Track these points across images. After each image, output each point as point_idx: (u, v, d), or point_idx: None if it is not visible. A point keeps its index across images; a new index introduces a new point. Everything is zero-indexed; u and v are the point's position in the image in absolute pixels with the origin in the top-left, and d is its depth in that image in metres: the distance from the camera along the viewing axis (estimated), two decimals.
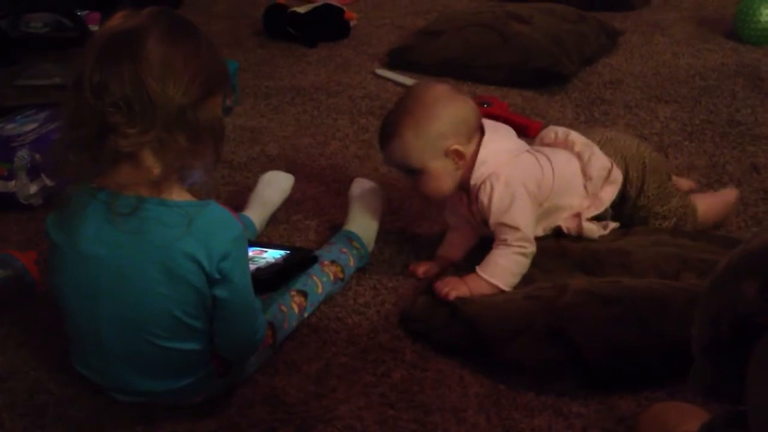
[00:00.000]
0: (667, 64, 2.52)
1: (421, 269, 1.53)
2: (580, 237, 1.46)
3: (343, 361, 1.35)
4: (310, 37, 2.80)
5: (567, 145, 1.51)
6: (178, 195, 1.14)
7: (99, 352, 1.19)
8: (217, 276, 1.13)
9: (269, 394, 1.29)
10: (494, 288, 1.38)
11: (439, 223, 1.71)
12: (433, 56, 2.51)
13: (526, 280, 1.40)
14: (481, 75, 2.44)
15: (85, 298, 1.16)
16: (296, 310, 1.41)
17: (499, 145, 1.44)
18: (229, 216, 1.17)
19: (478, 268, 1.40)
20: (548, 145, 1.54)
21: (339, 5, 2.91)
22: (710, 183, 1.81)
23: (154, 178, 1.11)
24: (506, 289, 1.39)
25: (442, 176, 1.43)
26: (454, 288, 1.38)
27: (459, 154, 1.42)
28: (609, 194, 1.48)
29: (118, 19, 1.13)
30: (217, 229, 1.14)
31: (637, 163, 1.53)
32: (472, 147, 1.43)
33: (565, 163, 1.47)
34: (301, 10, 2.86)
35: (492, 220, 1.41)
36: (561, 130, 1.54)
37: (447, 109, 1.42)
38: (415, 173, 1.44)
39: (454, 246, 1.55)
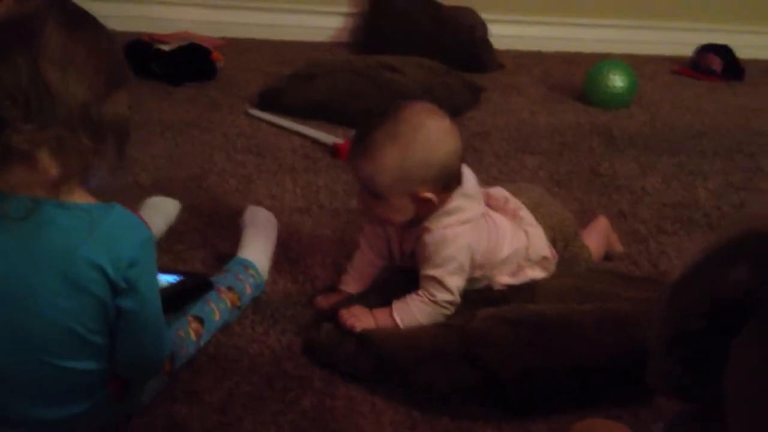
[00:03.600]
0: (528, 121, 2.65)
1: (330, 301, 1.47)
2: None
3: (247, 390, 1.28)
4: (175, 76, 2.71)
5: (515, 218, 1.48)
6: (79, 197, 1.04)
7: None
8: (124, 285, 1.03)
9: (169, 424, 1.19)
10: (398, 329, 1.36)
11: (332, 255, 1.68)
12: (305, 99, 2.51)
13: None
14: (353, 120, 2.44)
15: None
16: (193, 336, 1.32)
17: (468, 204, 1.37)
18: (137, 219, 1.08)
19: (394, 308, 1.36)
20: (494, 208, 1.49)
21: (205, 45, 2.85)
22: (584, 225, 1.89)
23: (51, 179, 1.00)
24: None
25: (400, 211, 1.34)
26: (360, 320, 1.35)
27: (427, 202, 1.33)
28: (535, 274, 1.47)
29: (4, 7, 1.03)
30: (123, 233, 1.04)
31: (562, 233, 1.56)
32: (443, 195, 1.34)
33: (510, 239, 1.44)
34: (166, 47, 2.78)
35: (427, 271, 1.35)
36: (513, 201, 1.51)
37: (437, 156, 1.31)
38: (374, 196, 1.34)
39: (358, 276, 1.50)
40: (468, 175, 1.40)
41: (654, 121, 2.71)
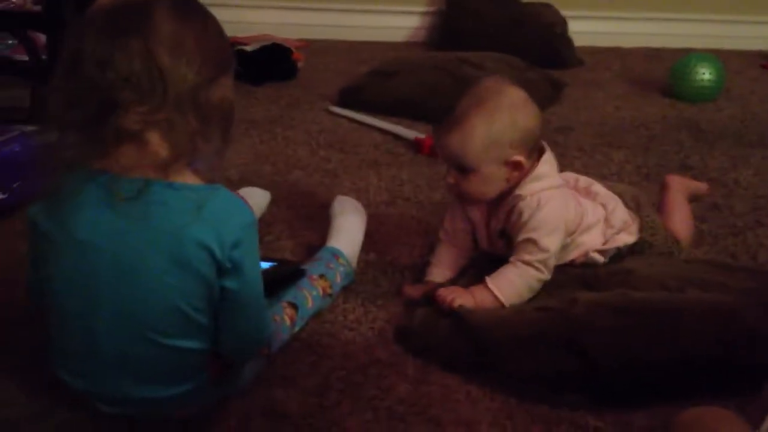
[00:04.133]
0: (612, 116, 2.59)
1: (418, 292, 1.46)
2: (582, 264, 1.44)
3: (342, 375, 1.27)
4: (257, 76, 2.74)
5: (589, 195, 1.50)
6: (187, 178, 1.06)
7: (90, 354, 1.07)
8: (228, 265, 1.04)
9: (268, 407, 1.19)
10: (498, 304, 1.34)
11: (419, 247, 1.67)
12: (386, 96, 2.51)
13: None
14: (435, 115, 2.42)
15: (79, 291, 1.05)
16: (288, 322, 1.33)
17: (554, 171, 1.41)
18: (241, 202, 1.09)
19: (488, 279, 1.36)
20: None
21: (287, 45, 2.88)
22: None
23: (161, 160, 1.03)
24: (507, 307, 1.35)
25: (491, 182, 1.37)
26: (459, 296, 1.34)
27: (518, 166, 1.36)
28: (621, 241, 1.47)
29: None
30: (229, 215, 1.06)
31: (631, 201, 1.55)
32: (529, 162, 1.38)
33: (591, 208, 1.46)
34: (248, 48, 2.81)
35: (523, 236, 1.36)
36: (583, 179, 1.53)
37: (524, 118, 1.36)
38: (464, 171, 1.37)
39: (444, 267, 1.50)
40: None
41: (744, 114, 2.62)
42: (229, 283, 1.06)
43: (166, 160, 1.03)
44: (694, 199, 1.75)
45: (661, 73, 2.93)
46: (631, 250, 1.47)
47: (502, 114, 1.35)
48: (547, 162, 1.41)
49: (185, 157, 1.05)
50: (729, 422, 1.03)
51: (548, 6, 3.19)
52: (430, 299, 1.38)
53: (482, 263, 1.47)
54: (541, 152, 1.42)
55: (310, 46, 3.22)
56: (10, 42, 2.79)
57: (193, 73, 1.02)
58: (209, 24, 1.08)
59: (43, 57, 2.20)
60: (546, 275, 1.36)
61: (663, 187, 1.73)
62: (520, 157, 1.36)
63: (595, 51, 3.30)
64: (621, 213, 1.48)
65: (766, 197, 1.98)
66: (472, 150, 1.35)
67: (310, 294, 1.39)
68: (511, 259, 1.37)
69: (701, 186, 1.81)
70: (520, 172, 1.38)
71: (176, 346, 1.07)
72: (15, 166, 1.72)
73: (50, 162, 1.05)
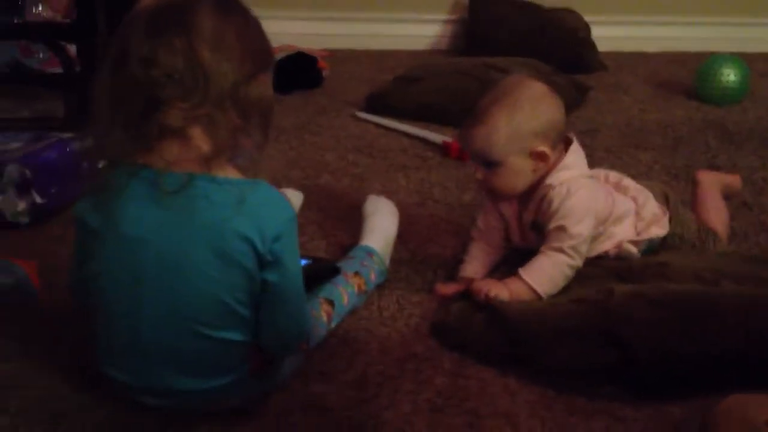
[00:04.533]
0: (637, 118, 2.60)
1: (451, 289, 1.47)
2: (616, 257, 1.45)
3: (379, 369, 1.29)
4: (284, 84, 2.76)
5: (619, 189, 1.51)
6: (229, 173, 1.08)
7: (134, 346, 1.10)
8: (270, 258, 1.07)
9: (308, 401, 1.21)
10: (533, 294, 1.35)
11: (450, 247, 1.69)
12: (412, 101, 2.52)
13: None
14: (462, 119, 2.44)
15: (125, 285, 1.07)
16: (325, 318, 1.34)
17: (582, 162, 1.44)
18: (281, 196, 1.11)
19: (521, 271, 1.37)
20: None
21: (312, 55, 2.91)
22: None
23: (203, 155, 1.05)
24: (544, 297, 1.36)
25: (519, 174, 1.39)
26: (495, 288, 1.35)
27: (543, 157, 1.38)
28: (653, 233, 1.48)
29: None
30: (269, 209, 1.08)
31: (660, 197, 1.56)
32: (555, 153, 1.40)
33: (622, 201, 1.48)
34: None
35: (554, 224, 1.37)
36: (612, 174, 1.56)
37: (545, 109, 1.39)
38: (491, 165, 1.40)
39: (478, 263, 1.51)
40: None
41: None
42: (271, 276, 1.08)
43: (208, 155, 1.05)
44: (727, 194, 1.75)
45: (685, 77, 2.93)
46: (663, 243, 1.48)
47: (523, 106, 1.38)
48: (575, 152, 1.43)
49: (227, 152, 1.07)
50: None
51: (571, 11, 3.19)
52: (466, 293, 1.39)
53: (514, 259, 1.48)
54: (568, 143, 1.44)
55: (334, 55, 3.24)
56: (41, 56, 2.84)
57: (234, 70, 1.05)
58: (250, 22, 1.11)
59: (76, 68, 2.25)
60: (578, 261, 1.37)
61: (695, 184, 1.73)
62: (544, 148, 1.38)
63: (618, 56, 3.30)
64: (652, 206, 1.50)
65: None
66: (496, 143, 1.38)
67: (345, 291, 1.41)
68: (542, 248, 1.39)
69: (733, 179, 1.81)
70: (545, 163, 1.40)
71: (219, 338, 1.09)
72: (53, 171, 1.75)
73: (96, 159, 1.07)
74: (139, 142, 1.05)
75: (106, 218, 1.07)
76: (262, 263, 1.07)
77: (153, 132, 1.04)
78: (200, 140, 1.05)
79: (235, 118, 1.06)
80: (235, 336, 1.10)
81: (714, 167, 2.15)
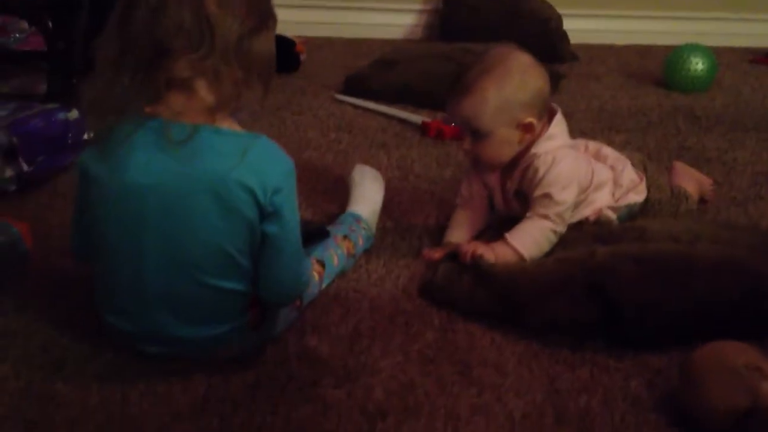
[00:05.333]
0: (609, 104, 2.66)
1: (437, 254, 1.51)
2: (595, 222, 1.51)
3: (371, 324, 1.33)
4: None
5: (598, 158, 1.57)
6: (231, 126, 1.12)
7: (137, 293, 1.12)
8: (270, 209, 1.10)
9: (303, 352, 1.24)
10: (518, 258, 1.40)
11: (433, 216, 1.73)
12: (390, 83, 2.56)
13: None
14: (439, 102, 2.48)
15: (129, 232, 1.10)
16: (316, 277, 1.37)
17: (565, 130, 1.48)
18: (281, 151, 1.15)
19: (507, 235, 1.41)
20: None
21: (290, 38, 2.93)
22: None
23: (208, 107, 1.09)
24: (528, 261, 1.40)
25: (505, 145, 1.43)
26: (481, 249, 1.39)
27: (529, 128, 1.42)
28: (631, 199, 1.54)
29: None
30: (270, 162, 1.11)
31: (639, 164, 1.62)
32: (540, 124, 1.44)
33: (601, 169, 1.53)
34: None
35: (539, 191, 1.42)
36: (592, 144, 1.61)
37: (532, 80, 1.42)
38: (478, 135, 1.43)
39: (462, 229, 1.56)
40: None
41: (737, 102, 2.70)
42: (270, 228, 1.11)
43: (212, 106, 1.08)
44: (700, 196, 1.75)
45: (653, 68, 3.01)
46: (642, 209, 1.54)
47: (512, 77, 1.41)
48: (559, 123, 1.48)
49: (230, 105, 1.11)
50: (749, 353, 1.09)
51: (543, 2, 3.26)
52: (453, 256, 1.44)
53: (498, 225, 1.52)
54: (551, 114, 1.48)
55: (309, 43, 3.27)
56: (17, 36, 2.84)
57: (239, 25, 1.08)
58: None
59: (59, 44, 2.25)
60: (562, 227, 1.42)
61: (670, 170, 1.78)
62: (531, 119, 1.42)
63: (588, 48, 3.37)
64: (629, 173, 1.56)
65: (764, 174, 2.05)
66: (485, 114, 1.41)
67: (335, 253, 1.44)
68: (528, 214, 1.43)
69: (706, 179, 1.81)
70: (531, 134, 1.44)
71: (220, 287, 1.12)
72: (40, 139, 1.76)
73: (102, 108, 1.10)
74: (146, 92, 1.07)
75: (111, 167, 1.10)
76: (263, 214, 1.10)
77: (160, 82, 1.07)
78: (205, 92, 1.08)
79: (239, 72, 1.09)
80: (235, 286, 1.13)
81: (685, 149, 2.23)
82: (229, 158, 1.08)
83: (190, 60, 1.05)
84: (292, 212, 1.14)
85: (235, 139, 1.10)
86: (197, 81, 1.07)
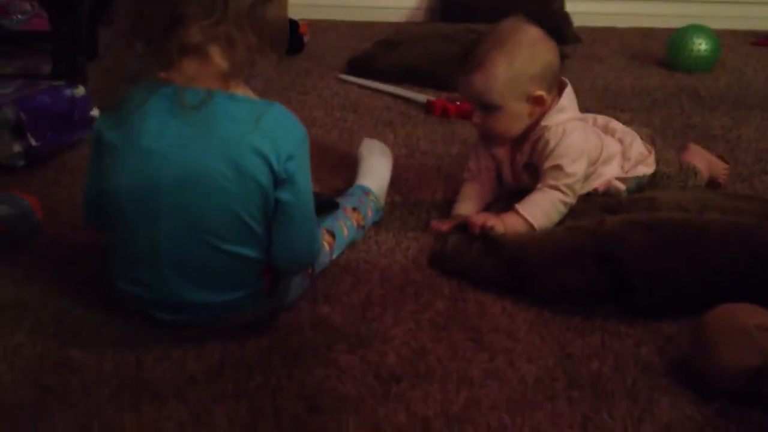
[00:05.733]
0: (614, 84, 2.67)
1: (446, 226, 1.51)
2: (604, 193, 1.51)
3: (381, 293, 1.33)
4: None
5: (607, 131, 1.57)
6: (245, 92, 1.12)
7: (152, 258, 1.12)
8: (283, 176, 1.10)
9: (315, 320, 1.25)
10: (528, 227, 1.40)
11: (441, 191, 1.73)
12: (395, 63, 2.57)
13: None
14: (444, 82, 2.48)
15: (144, 197, 1.10)
16: (327, 247, 1.38)
17: (575, 103, 1.48)
18: (295, 118, 1.15)
19: (517, 206, 1.42)
20: None
21: (293, 19, 2.93)
22: None
23: (222, 73, 1.09)
24: (537, 231, 1.41)
25: (516, 118, 1.44)
26: (490, 220, 1.40)
27: (540, 101, 1.43)
28: (640, 171, 1.54)
29: None
30: (284, 129, 1.12)
31: (647, 138, 1.63)
32: (550, 97, 1.44)
33: (609, 142, 1.54)
34: None
35: (549, 163, 1.42)
36: (600, 117, 1.61)
37: (542, 53, 1.43)
38: (489, 109, 1.44)
39: (471, 201, 1.56)
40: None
41: (740, 82, 2.71)
42: (284, 195, 1.12)
43: (226, 72, 1.09)
44: (711, 175, 1.72)
45: (656, 49, 3.02)
46: (650, 182, 1.54)
47: (522, 50, 1.42)
48: (569, 96, 1.48)
49: (244, 71, 1.11)
50: (759, 314, 1.10)
51: None
52: (462, 227, 1.44)
53: (507, 198, 1.53)
54: (561, 87, 1.49)
55: (312, 25, 3.27)
56: (19, 17, 2.84)
57: None
58: None
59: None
60: (572, 198, 1.42)
61: (683, 149, 1.77)
62: (541, 92, 1.43)
63: (591, 30, 3.37)
64: (638, 146, 1.56)
65: None
66: (496, 87, 1.42)
67: (345, 224, 1.44)
68: (539, 185, 1.43)
69: (720, 163, 1.76)
70: (541, 107, 1.45)
71: (233, 252, 1.12)
72: (48, 115, 1.76)
73: (117, 74, 1.10)
74: (160, 58, 1.08)
75: (125, 133, 1.10)
76: (276, 181, 1.10)
77: (173, 49, 1.07)
78: (219, 58, 1.09)
79: (252, 38, 1.09)
80: (249, 252, 1.13)
81: (690, 126, 2.24)
82: (243, 124, 1.08)
83: (203, 26, 1.06)
84: (306, 179, 1.15)
85: (250, 105, 1.10)
86: (210, 47, 1.08)
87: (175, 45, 1.07)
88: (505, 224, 1.40)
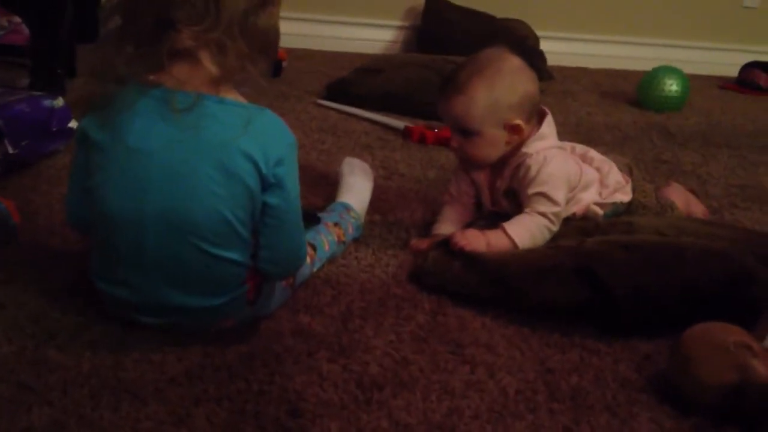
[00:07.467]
0: (586, 120, 2.73)
1: (425, 244, 1.52)
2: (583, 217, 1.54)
3: (362, 306, 1.33)
4: None
5: (585, 160, 1.60)
6: (235, 98, 1.13)
7: (136, 259, 1.11)
8: (272, 180, 1.10)
9: (297, 329, 1.24)
10: (512, 246, 1.42)
11: (419, 211, 1.74)
12: (372, 90, 2.59)
13: None
14: (421, 110, 2.52)
15: (130, 197, 1.09)
16: (308, 260, 1.37)
17: (554, 132, 1.51)
18: (284, 124, 1.16)
19: (505, 225, 1.43)
20: None
21: None
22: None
23: (212, 77, 1.09)
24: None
25: (493, 144, 1.46)
26: (472, 242, 1.41)
27: (517, 130, 1.45)
28: (618, 198, 1.57)
29: None
30: (274, 134, 1.13)
31: (624, 167, 1.67)
32: (528, 127, 1.47)
33: (588, 169, 1.57)
34: None
35: (533, 190, 1.44)
36: (579, 147, 1.64)
37: (522, 83, 1.46)
38: (467, 134, 1.46)
39: (450, 223, 1.57)
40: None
41: (709, 121, 2.79)
42: (272, 199, 1.12)
43: (216, 78, 1.09)
44: (688, 215, 1.72)
45: (627, 89, 3.10)
46: (626, 210, 1.57)
47: (503, 78, 1.45)
48: (550, 124, 1.51)
49: (234, 77, 1.11)
50: (736, 333, 1.12)
51: (521, 22, 3.33)
52: (444, 242, 1.45)
53: (489, 216, 1.55)
54: (542, 116, 1.51)
55: (289, 53, 3.29)
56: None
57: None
58: None
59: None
60: (556, 227, 1.45)
61: (665, 186, 1.79)
62: (519, 121, 1.45)
63: (562, 69, 3.45)
64: (615, 175, 1.59)
65: (738, 186, 2.11)
66: (475, 112, 1.44)
67: (326, 239, 1.45)
68: (526, 210, 1.45)
69: (700, 206, 1.77)
70: (519, 136, 1.47)
71: (218, 255, 1.11)
72: (25, 123, 1.74)
73: (105, 75, 1.10)
74: (150, 60, 1.08)
75: (112, 133, 1.09)
76: (264, 185, 1.10)
77: (163, 53, 1.07)
78: (209, 63, 1.09)
79: (243, 45, 1.10)
80: (234, 256, 1.13)
81: (661, 161, 2.29)
82: (232, 128, 1.08)
83: (194, 32, 1.06)
84: (294, 184, 1.15)
85: (239, 109, 1.10)
86: (201, 52, 1.08)
87: (165, 49, 1.07)
88: (489, 241, 1.41)
